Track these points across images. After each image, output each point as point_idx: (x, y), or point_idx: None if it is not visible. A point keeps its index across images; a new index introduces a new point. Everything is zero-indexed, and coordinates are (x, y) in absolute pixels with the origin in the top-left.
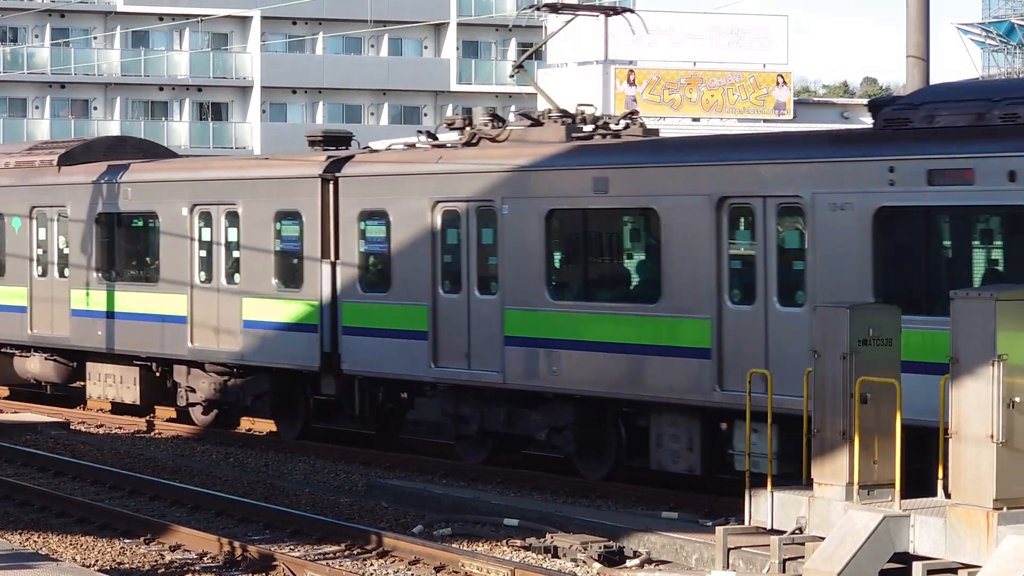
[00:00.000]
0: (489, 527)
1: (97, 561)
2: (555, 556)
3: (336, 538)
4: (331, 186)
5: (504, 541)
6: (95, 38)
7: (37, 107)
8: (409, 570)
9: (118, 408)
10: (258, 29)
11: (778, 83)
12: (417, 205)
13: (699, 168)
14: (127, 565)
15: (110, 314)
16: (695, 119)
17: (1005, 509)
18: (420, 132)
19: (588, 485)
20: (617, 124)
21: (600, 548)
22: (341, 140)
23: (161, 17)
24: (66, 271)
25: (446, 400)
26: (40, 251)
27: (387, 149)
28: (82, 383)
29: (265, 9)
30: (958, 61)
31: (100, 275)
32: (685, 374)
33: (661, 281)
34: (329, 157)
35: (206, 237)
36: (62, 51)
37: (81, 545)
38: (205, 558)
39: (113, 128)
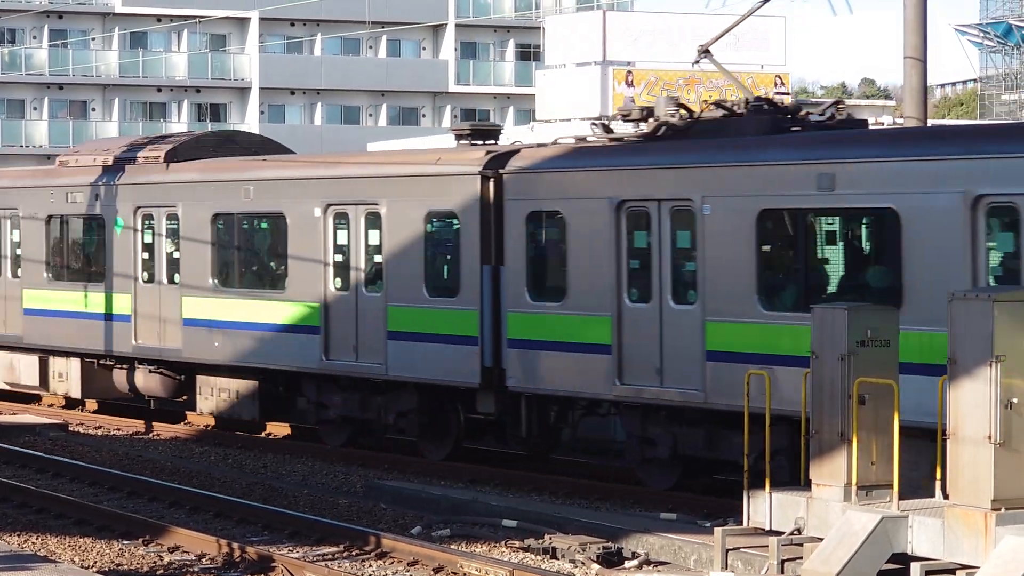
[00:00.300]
0: (488, 528)
1: (96, 562)
2: (554, 557)
3: (335, 539)
4: (491, 184)
5: (503, 542)
6: (93, 39)
7: (35, 108)
8: (408, 571)
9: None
10: (256, 30)
11: (776, 84)
12: (597, 205)
13: (951, 162)
14: (126, 566)
15: (228, 324)
16: None
17: (1003, 510)
18: (594, 124)
19: (587, 486)
20: (822, 114)
21: (599, 549)
22: (489, 134)
23: (159, 18)
24: (176, 277)
25: (631, 420)
26: (145, 255)
27: (554, 143)
28: (180, 397)
29: (263, 10)
30: (956, 62)
31: (217, 281)
32: None
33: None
34: (489, 152)
35: (342, 240)
36: (60, 52)
37: (80, 546)
38: (204, 559)
39: (111, 129)
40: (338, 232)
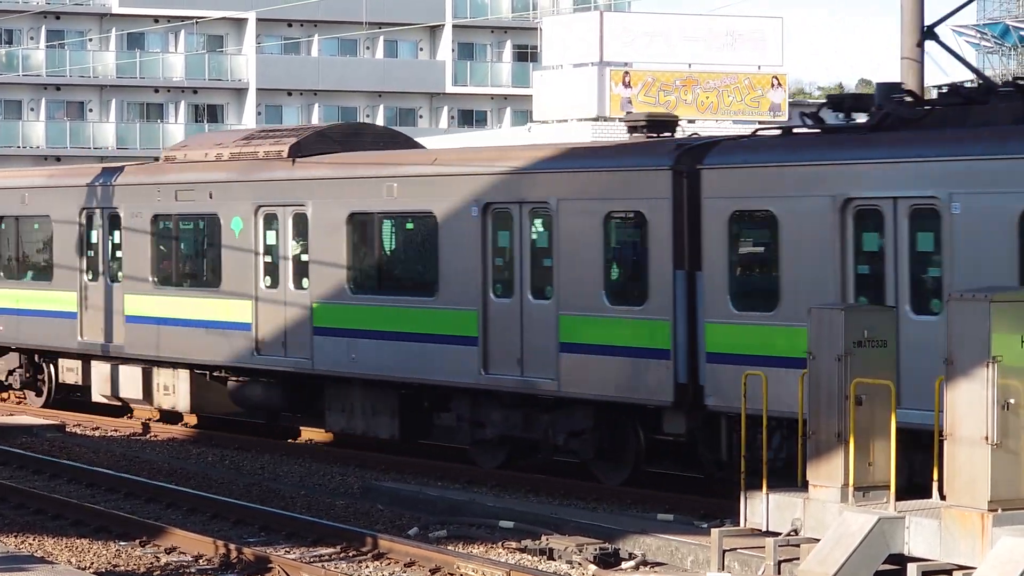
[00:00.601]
0: (485, 529)
1: (92, 564)
2: (550, 558)
3: (332, 540)
4: (685, 180)
5: (499, 543)
6: (90, 40)
7: (32, 109)
8: (404, 572)
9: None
10: (253, 31)
11: (773, 85)
12: (817, 203)
13: None
14: (122, 567)
15: (367, 333)
16: (690, 121)
17: (1000, 511)
18: (804, 115)
19: (584, 487)
20: None
21: (595, 550)
22: (666, 125)
23: (156, 19)
24: (305, 282)
25: None
26: (268, 258)
27: (753, 135)
28: (289, 413)
29: (260, 11)
30: (952, 62)
31: (353, 286)
32: None
33: None
34: (680, 145)
35: (503, 241)
36: (57, 53)
37: (76, 548)
38: (201, 560)
39: (108, 130)
40: (499, 233)
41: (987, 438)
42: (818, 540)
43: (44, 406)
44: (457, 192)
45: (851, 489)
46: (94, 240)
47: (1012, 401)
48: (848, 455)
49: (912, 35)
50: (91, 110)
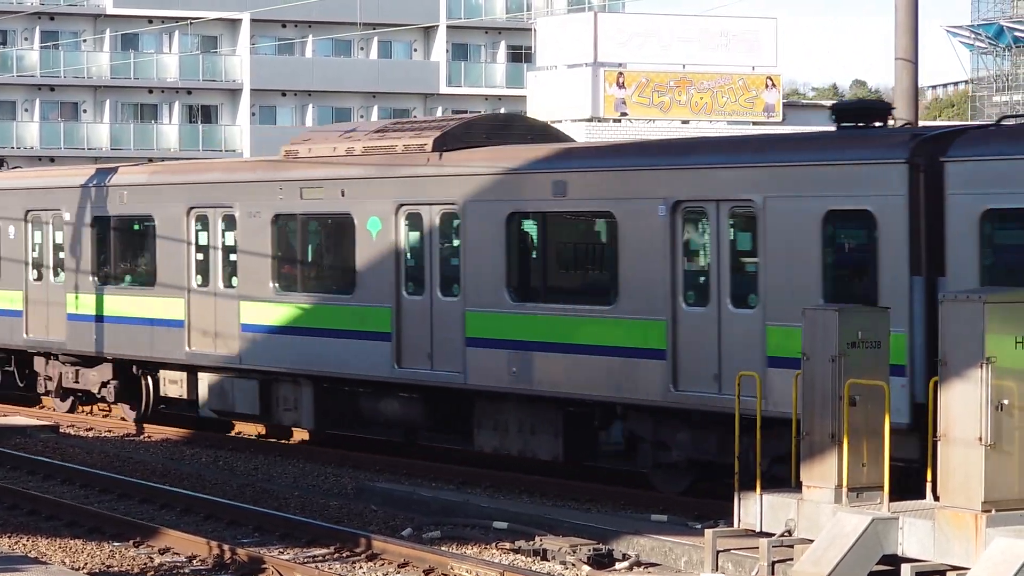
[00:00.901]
0: (478, 530)
1: (86, 564)
2: (544, 559)
3: (325, 541)
4: (922, 175)
5: (493, 544)
6: (84, 41)
7: (26, 110)
8: (398, 573)
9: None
10: (248, 32)
11: (767, 85)
12: None
13: None
14: (116, 568)
15: (532, 345)
16: (684, 122)
17: (994, 511)
18: None
19: (577, 488)
20: None
21: (589, 551)
22: (877, 112)
23: (151, 20)
24: (456, 287)
25: None
26: (412, 261)
27: (998, 124)
28: (430, 431)
29: (255, 12)
30: (947, 63)
31: (514, 293)
32: None
33: None
34: (915, 135)
35: (696, 244)
36: (51, 54)
37: (70, 548)
38: (194, 561)
39: (102, 131)
40: (689, 235)
41: (981, 439)
42: (812, 541)
43: (139, 420)
44: (641, 189)
45: (845, 490)
46: (204, 242)
47: (1006, 402)
48: (842, 456)
49: (907, 35)
50: (85, 111)
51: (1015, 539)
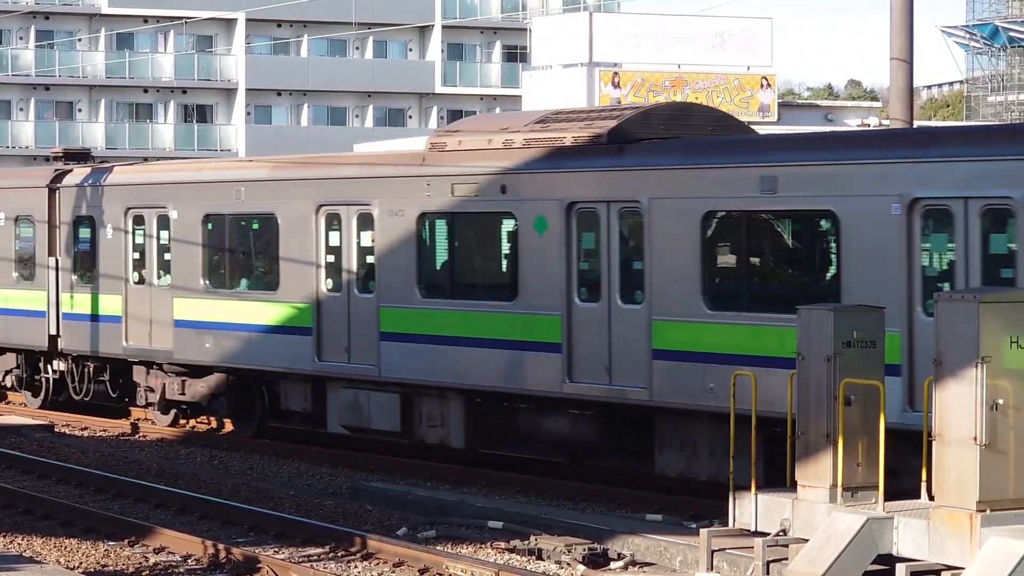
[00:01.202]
0: (473, 529)
1: (81, 564)
2: (539, 558)
3: (320, 540)
4: None
5: (488, 543)
6: (80, 40)
7: (21, 109)
8: (393, 572)
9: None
10: (243, 31)
11: (762, 85)
12: None
13: None
14: (111, 567)
15: (732, 359)
16: None
17: (988, 511)
18: None
19: (573, 487)
20: None
21: (584, 550)
22: None
23: (146, 19)
24: (639, 294)
25: None
26: (585, 264)
27: None
28: (602, 452)
29: (250, 11)
30: (942, 63)
31: (709, 300)
32: None
33: None
34: None
35: (936, 247)
36: (47, 53)
37: (65, 547)
38: (189, 560)
39: (97, 130)
40: (930, 236)
41: (976, 439)
42: (807, 540)
43: (254, 436)
44: (870, 185)
45: (840, 489)
46: (336, 243)
47: (1001, 401)
48: (837, 455)
49: (902, 35)
50: (80, 110)
51: (1010, 539)
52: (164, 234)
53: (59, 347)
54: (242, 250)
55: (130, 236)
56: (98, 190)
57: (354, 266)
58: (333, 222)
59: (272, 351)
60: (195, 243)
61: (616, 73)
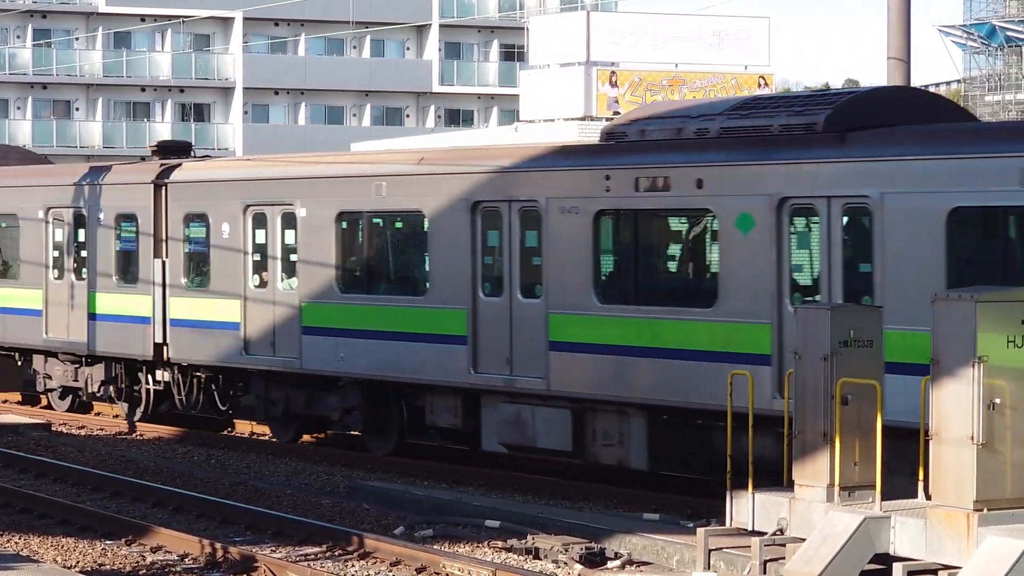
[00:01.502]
0: (471, 528)
1: (78, 562)
2: (536, 557)
3: (318, 539)
4: None
5: (485, 542)
6: (77, 39)
7: (19, 108)
8: (390, 571)
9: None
10: (240, 30)
11: (760, 85)
12: None
13: None
14: (108, 566)
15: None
16: None
17: (985, 510)
18: None
19: (570, 486)
20: None
21: (581, 549)
22: None
23: (143, 18)
24: (867, 299)
25: None
26: (799, 266)
27: None
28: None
29: (247, 10)
30: (939, 63)
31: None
32: None
33: None
34: None
35: None
36: (44, 52)
37: (62, 546)
38: (186, 559)
39: (95, 129)
40: None
41: (973, 438)
42: (804, 540)
43: (391, 454)
44: None
45: (837, 489)
46: (494, 243)
47: (998, 401)
48: (834, 455)
49: (899, 34)
50: (78, 109)
51: (1007, 538)
52: (289, 233)
53: (165, 356)
54: (382, 251)
55: (249, 235)
56: (211, 186)
57: (516, 268)
58: (491, 220)
59: (417, 362)
60: (327, 243)
61: (613, 72)
